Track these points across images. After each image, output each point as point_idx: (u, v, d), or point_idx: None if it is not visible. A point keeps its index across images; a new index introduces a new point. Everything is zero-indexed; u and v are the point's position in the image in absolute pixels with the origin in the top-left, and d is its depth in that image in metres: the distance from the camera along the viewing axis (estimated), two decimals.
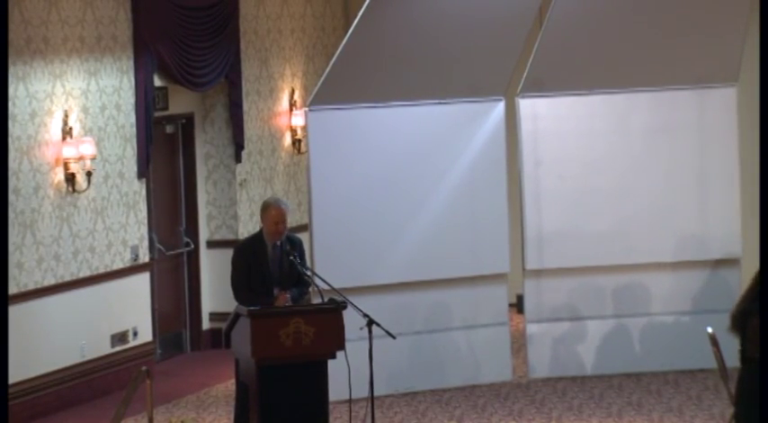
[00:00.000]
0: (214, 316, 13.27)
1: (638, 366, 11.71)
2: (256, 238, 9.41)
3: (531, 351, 11.68)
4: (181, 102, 13.04)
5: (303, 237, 10.35)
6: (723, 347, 9.33)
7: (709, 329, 9.46)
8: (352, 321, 9.23)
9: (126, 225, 11.99)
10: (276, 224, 9.26)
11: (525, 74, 11.54)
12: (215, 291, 13.07)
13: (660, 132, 11.71)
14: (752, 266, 9.37)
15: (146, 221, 12.25)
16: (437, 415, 10.64)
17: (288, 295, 9.24)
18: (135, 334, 12.04)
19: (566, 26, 11.37)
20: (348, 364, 8.87)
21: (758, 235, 11.60)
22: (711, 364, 9.71)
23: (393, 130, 11.25)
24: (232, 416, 10.42)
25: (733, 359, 9.27)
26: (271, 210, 9.33)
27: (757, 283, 8.91)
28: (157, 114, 12.49)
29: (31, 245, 10.94)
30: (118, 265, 11.87)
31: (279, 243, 9.32)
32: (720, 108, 11.69)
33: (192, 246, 13.24)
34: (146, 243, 12.24)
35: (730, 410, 9.49)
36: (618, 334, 11.75)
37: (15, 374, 10.49)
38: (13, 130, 10.74)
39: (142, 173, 12.14)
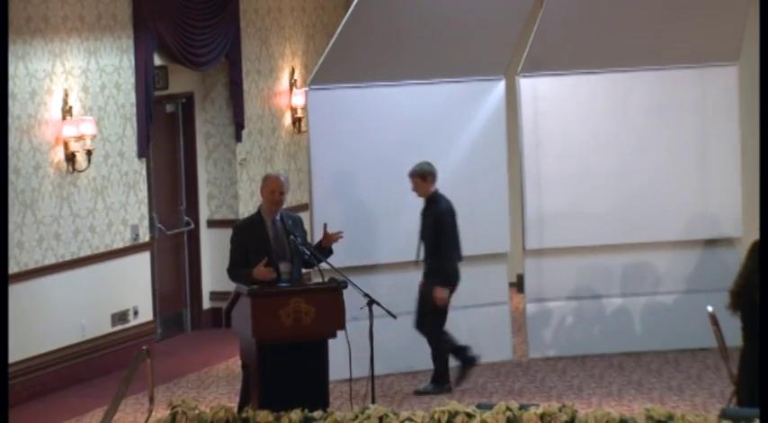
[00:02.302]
0: (215, 295, 13.27)
1: (639, 346, 11.72)
2: (254, 218, 9.40)
3: (531, 330, 11.69)
4: (181, 81, 13.02)
5: (303, 216, 10.35)
6: (723, 326, 9.33)
7: (710, 308, 9.47)
8: (352, 301, 9.23)
9: (126, 204, 11.99)
10: (272, 193, 9.25)
11: (526, 53, 11.51)
12: (215, 270, 13.06)
13: (661, 111, 11.69)
14: None
15: (146, 201, 12.25)
16: (437, 394, 10.65)
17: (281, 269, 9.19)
18: (135, 313, 12.04)
19: (567, 5, 11.34)
20: (348, 344, 8.87)
21: (759, 215, 11.61)
22: (711, 343, 9.72)
23: (393, 109, 11.23)
24: (233, 395, 10.45)
25: (733, 338, 9.29)
26: (270, 179, 9.35)
27: (750, 257, 8.92)
28: (157, 93, 12.47)
29: (32, 224, 10.93)
30: (118, 244, 11.86)
31: (279, 218, 9.31)
32: (722, 86, 11.67)
33: (193, 225, 13.24)
34: (146, 222, 12.24)
35: (730, 389, 9.50)
36: (618, 313, 11.76)
37: (16, 353, 10.50)
38: (13, 109, 10.72)
39: (142, 152, 12.13)
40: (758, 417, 7.25)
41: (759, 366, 8.13)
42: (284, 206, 9.43)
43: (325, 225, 9.47)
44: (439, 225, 10.47)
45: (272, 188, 9.28)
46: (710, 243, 11.77)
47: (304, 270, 9.41)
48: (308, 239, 9.73)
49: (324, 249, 9.42)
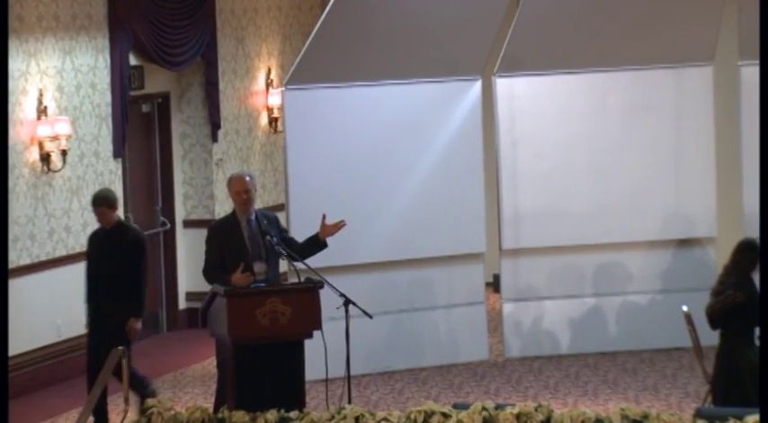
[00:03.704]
0: (190, 295, 13.25)
1: (614, 345, 11.76)
2: (229, 218, 9.39)
3: (507, 330, 11.71)
4: (157, 81, 12.99)
5: (280, 216, 10.34)
6: (698, 326, 9.37)
7: (685, 308, 9.51)
8: (328, 301, 9.22)
9: None
10: (238, 194, 9.25)
11: (502, 53, 11.53)
12: (191, 270, 13.04)
13: (637, 111, 11.73)
14: (727, 245, 9.41)
15: (121, 201, 12.20)
16: (413, 394, 10.67)
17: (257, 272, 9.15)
18: None
19: (543, 5, 11.36)
20: (325, 344, 8.86)
21: (735, 214, 11.68)
22: (686, 342, 9.76)
23: (369, 109, 11.23)
24: (208, 395, 10.43)
25: (708, 338, 9.33)
26: (234, 181, 9.34)
27: (734, 258, 8.98)
28: (133, 93, 12.44)
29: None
30: None
31: (254, 218, 9.30)
32: (697, 86, 11.71)
33: (169, 225, 13.21)
34: None
35: (705, 388, 9.54)
36: (594, 313, 11.80)
37: None
38: None
39: (118, 152, 12.11)
40: (732, 416, 7.29)
41: (760, 367, 8.15)
42: (260, 206, 9.42)
43: (323, 216, 9.36)
44: (138, 253, 9.59)
45: (237, 189, 9.28)
46: (686, 243, 11.81)
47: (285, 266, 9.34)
48: (290, 235, 9.71)
49: (318, 243, 9.36)
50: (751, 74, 11.42)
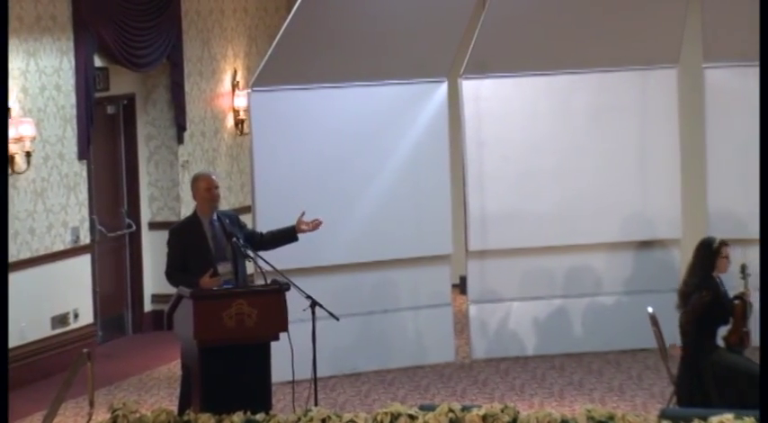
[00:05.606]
0: (156, 298, 13.21)
1: (580, 346, 11.79)
2: (191, 219, 9.37)
3: (473, 332, 11.73)
4: (122, 82, 12.95)
5: (246, 218, 10.32)
6: (663, 327, 9.41)
7: (650, 309, 9.55)
8: (295, 303, 9.21)
9: (66, 206, 11.90)
10: (209, 190, 9.27)
11: (468, 54, 11.55)
12: (157, 272, 12.98)
13: (602, 113, 11.78)
14: (692, 246, 9.46)
15: (86, 203, 12.17)
16: (380, 396, 10.67)
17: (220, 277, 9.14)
18: (76, 316, 11.96)
19: (509, 6, 11.39)
20: (291, 346, 8.86)
21: (701, 216, 11.74)
22: (652, 343, 9.79)
23: (336, 111, 11.23)
24: (174, 398, 10.40)
25: (673, 339, 9.38)
26: (203, 178, 9.38)
27: (697, 258, 9.04)
28: (98, 95, 12.39)
29: None
30: (58, 246, 11.78)
31: (216, 218, 9.29)
32: (662, 89, 11.77)
33: (134, 227, 13.17)
34: (86, 225, 12.16)
35: (670, 389, 9.58)
36: (560, 314, 11.83)
37: None
38: None
39: (83, 154, 12.05)
40: (696, 416, 7.33)
41: (760, 366, 8.19)
42: (226, 207, 9.43)
43: (302, 213, 9.50)
44: None
45: (208, 185, 9.30)
46: (650, 244, 11.86)
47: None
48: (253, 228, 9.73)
49: (291, 236, 9.49)
50: (715, 76, 11.49)
